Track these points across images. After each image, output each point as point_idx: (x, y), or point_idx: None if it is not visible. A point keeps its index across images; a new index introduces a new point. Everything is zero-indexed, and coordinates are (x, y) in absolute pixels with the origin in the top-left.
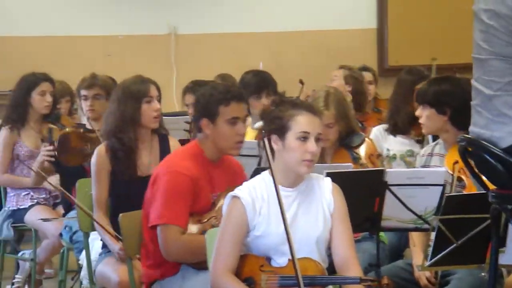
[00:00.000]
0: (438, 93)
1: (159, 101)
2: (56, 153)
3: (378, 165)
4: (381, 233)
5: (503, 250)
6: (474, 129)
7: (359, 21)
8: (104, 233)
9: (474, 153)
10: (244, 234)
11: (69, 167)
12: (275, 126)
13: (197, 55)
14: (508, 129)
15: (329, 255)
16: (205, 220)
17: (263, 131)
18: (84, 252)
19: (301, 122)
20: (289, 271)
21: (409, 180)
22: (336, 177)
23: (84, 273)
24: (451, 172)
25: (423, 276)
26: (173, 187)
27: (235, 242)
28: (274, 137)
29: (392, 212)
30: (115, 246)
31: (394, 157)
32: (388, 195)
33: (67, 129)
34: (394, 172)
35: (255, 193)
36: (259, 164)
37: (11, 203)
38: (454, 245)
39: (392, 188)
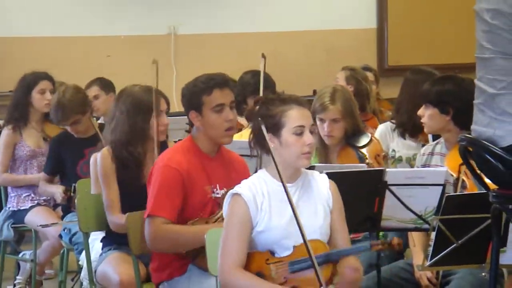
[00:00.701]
0: (441, 92)
1: (167, 112)
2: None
3: (384, 165)
4: (381, 233)
5: (504, 250)
6: (476, 127)
7: (359, 21)
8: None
9: (475, 153)
10: (249, 230)
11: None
12: (268, 125)
13: (197, 55)
14: (510, 128)
15: None
16: (213, 221)
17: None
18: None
19: (293, 116)
20: (296, 257)
21: (408, 180)
22: (336, 177)
23: (84, 273)
24: (454, 174)
25: (424, 276)
26: (161, 181)
27: (242, 238)
28: (269, 136)
29: (392, 212)
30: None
31: (400, 159)
32: (388, 195)
33: None
34: (394, 172)
35: (255, 189)
36: (260, 166)
37: (11, 204)
38: (455, 245)
39: (392, 188)
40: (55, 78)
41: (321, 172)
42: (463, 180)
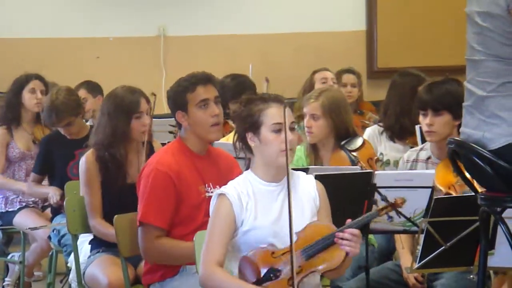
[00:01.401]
0: (456, 96)
1: (149, 111)
2: None
3: (376, 169)
4: (370, 236)
5: (492, 253)
6: (465, 130)
7: (348, 23)
8: (101, 228)
9: (464, 156)
10: (232, 230)
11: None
12: (248, 124)
13: (186, 57)
14: (499, 131)
15: None
16: None
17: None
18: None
19: (272, 114)
20: (302, 243)
21: (397, 182)
22: (324, 179)
23: (73, 275)
24: (443, 189)
25: (411, 276)
26: (152, 186)
27: (224, 238)
28: (249, 135)
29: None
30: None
31: (388, 163)
32: (376, 197)
33: None
34: (383, 174)
35: (240, 189)
36: (248, 167)
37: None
38: (443, 247)
39: (381, 190)
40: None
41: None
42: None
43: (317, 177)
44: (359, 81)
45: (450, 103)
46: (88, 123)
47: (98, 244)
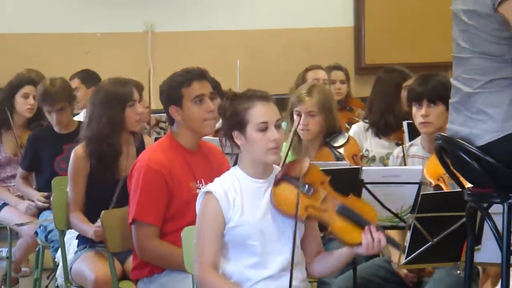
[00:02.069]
0: (449, 89)
1: (140, 101)
2: None
3: (361, 165)
4: None
5: (479, 248)
6: (452, 126)
7: (336, 19)
8: (81, 224)
9: (450, 151)
10: (222, 227)
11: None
12: (233, 123)
13: (174, 53)
14: (485, 127)
15: None
16: None
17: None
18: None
19: (257, 113)
20: (348, 201)
21: (385, 178)
22: None
23: (60, 271)
24: (433, 181)
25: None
26: (143, 184)
27: (215, 237)
28: (235, 133)
29: None
30: (90, 228)
31: (373, 159)
32: (364, 193)
33: None
34: (370, 170)
35: (227, 186)
36: (235, 162)
37: None
38: (430, 243)
39: (368, 186)
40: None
41: None
42: (441, 187)
43: None
44: (348, 77)
45: (444, 94)
46: (76, 118)
47: (85, 239)
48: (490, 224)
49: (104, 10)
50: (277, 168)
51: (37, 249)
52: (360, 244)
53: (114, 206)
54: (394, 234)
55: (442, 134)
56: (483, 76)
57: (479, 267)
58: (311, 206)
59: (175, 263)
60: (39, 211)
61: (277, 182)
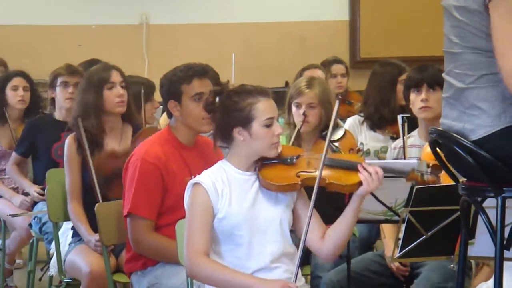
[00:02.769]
0: None
1: (124, 87)
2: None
3: None
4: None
5: (472, 242)
6: (445, 121)
7: (331, 13)
8: (79, 223)
9: (445, 145)
10: (211, 218)
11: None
12: (237, 119)
13: (168, 45)
14: (479, 122)
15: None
16: None
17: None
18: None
19: (263, 109)
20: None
21: None
22: None
23: (53, 263)
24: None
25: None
26: (139, 177)
27: (205, 227)
28: (237, 129)
29: (363, 204)
30: (91, 237)
31: (368, 153)
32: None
33: None
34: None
35: (214, 177)
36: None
37: None
38: (424, 237)
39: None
40: (25, 67)
41: None
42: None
43: None
44: (348, 71)
45: (443, 81)
46: None
47: None
48: (484, 218)
49: (99, 2)
50: None
51: (31, 241)
52: (361, 183)
53: (102, 193)
54: (388, 228)
55: (437, 128)
56: (475, 71)
57: (472, 261)
58: (300, 171)
59: (169, 256)
60: (34, 203)
61: (260, 167)
